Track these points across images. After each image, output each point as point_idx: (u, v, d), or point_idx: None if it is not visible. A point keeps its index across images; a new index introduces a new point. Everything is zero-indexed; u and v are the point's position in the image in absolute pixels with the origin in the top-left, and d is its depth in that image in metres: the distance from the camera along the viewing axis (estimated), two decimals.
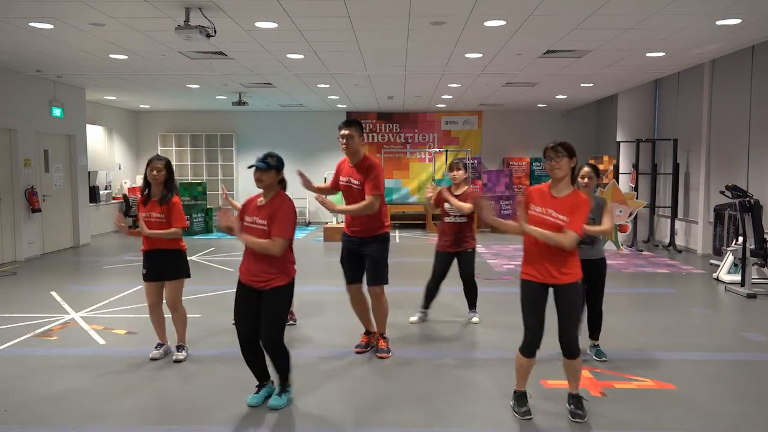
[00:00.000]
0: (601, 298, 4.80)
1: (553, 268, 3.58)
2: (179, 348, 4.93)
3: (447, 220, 5.83)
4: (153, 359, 4.83)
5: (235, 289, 3.90)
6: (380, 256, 4.84)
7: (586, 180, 4.72)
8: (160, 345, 4.94)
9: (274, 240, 3.68)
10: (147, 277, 4.80)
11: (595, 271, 4.68)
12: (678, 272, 8.88)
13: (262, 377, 3.99)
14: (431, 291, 6.01)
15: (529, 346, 3.68)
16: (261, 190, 3.88)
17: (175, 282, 4.80)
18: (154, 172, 4.67)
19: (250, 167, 3.81)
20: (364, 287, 4.99)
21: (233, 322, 5.83)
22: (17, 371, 4.58)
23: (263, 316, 3.76)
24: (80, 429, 3.59)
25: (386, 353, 4.95)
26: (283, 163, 3.86)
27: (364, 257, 4.85)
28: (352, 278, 4.97)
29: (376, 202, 4.65)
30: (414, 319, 6.02)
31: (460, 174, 5.79)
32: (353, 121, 4.80)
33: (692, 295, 7.38)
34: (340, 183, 4.89)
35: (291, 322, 5.86)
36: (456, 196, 5.77)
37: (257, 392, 3.96)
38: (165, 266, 4.76)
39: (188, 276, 4.88)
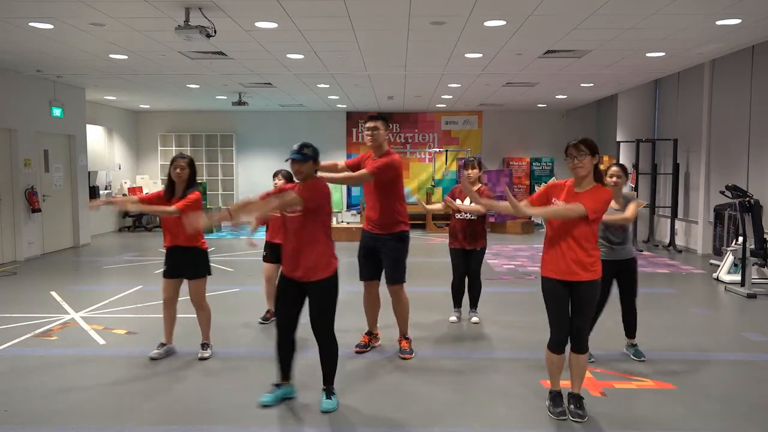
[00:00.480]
0: (635, 297, 4.85)
1: (574, 265, 3.57)
2: (204, 346, 4.96)
3: (458, 216, 5.82)
4: (153, 359, 4.82)
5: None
6: (398, 254, 4.82)
7: (614, 179, 4.72)
8: (162, 345, 4.94)
9: (288, 194, 3.72)
10: (166, 274, 4.83)
11: (626, 271, 4.75)
12: (678, 272, 8.88)
13: (286, 375, 3.97)
14: (458, 289, 6.07)
15: (558, 342, 3.70)
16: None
17: (197, 281, 4.84)
18: (178, 170, 4.70)
19: (287, 160, 3.78)
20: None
21: (260, 320, 5.87)
22: (17, 371, 4.58)
23: (312, 308, 3.81)
24: (80, 429, 3.59)
25: (409, 354, 4.91)
26: (318, 152, 3.84)
27: (379, 254, 4.83)
28: (368, 275, 4.95)
29: (363, 179, 4.69)
30: (453, 319, 6.04)
31: (474, 173, 5.81)
32: (379, 114, 4.84)
33: (692, 295, 7.38)
34: None
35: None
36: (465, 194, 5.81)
37: (272, 391, 3.92)
38: (185, 264, 4.80)
39: (209, 274, 4.93)
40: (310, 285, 3.79)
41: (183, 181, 4.74)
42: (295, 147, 3.78)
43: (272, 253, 5.72)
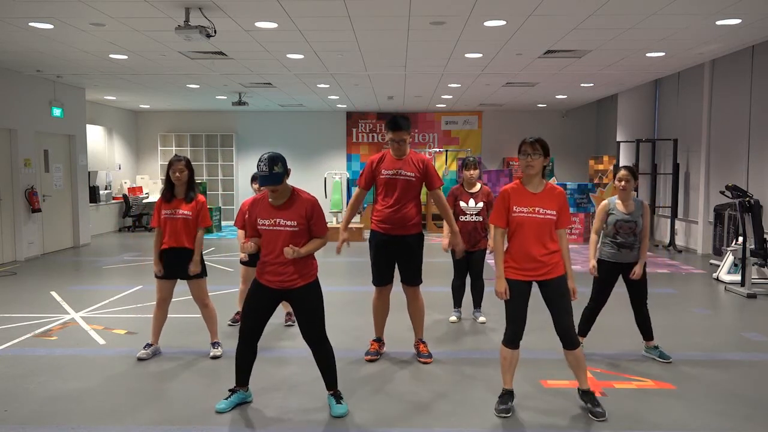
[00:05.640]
0: (646, 299, 4.82)
1: (540, 265, 3.63)
2: (215, 344, 4.97)
3: (462, 219, 5.80)
4: (141, 359, 4.82)
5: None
6: (420, 254, 4.79)
7: (623, 183, 4.67)
8: (148, 345, 4.93)
9: (317, 240, 3.77)
10: (161, 275, 4.81)
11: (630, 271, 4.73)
12: (678, 272, 8.88)
13: (243, 380, 3.93)
14: (458, 289, 6.07)
15: (514, 337, 3.75)
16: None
17: (198, 281, 4.86)
18: (177, 174, 4.70)
19: (262, 186, 3.63)
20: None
21: (229, 322, 5.86)
22: (17, 371, 4.58)
23: (302, 315, 3.77)
24: (80, 429, 3.58)
25: (430, 357, 4.82)
26: (285, 160, 3.73)
27: (399, 256, 4.73)
28: (387, 280, 4.81)
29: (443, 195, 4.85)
30: (453, 318, 6.03)
31: (475, 173, 5.80)
32: (405, 121, 4.62)
33: (692, 295, 7.37)
34: (382, 176, 4.67)
35: (290, 323, 5.86)
36: (470, 194, 5.80)
37: (228, 397, 3.88)
38: (182, 265, 4.79)
39: (205, 274, 4.93)
40: (296, 291, 3.74)
41: (183, 183, 4.75)
42: (264, 168, 3.57)
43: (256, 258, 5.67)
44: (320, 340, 3.82)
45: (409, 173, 4.65)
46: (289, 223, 3.68)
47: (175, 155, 4.88)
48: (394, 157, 4.70)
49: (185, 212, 4.72)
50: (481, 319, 5.99)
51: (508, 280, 3.69)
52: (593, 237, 4.78)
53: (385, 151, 4.81)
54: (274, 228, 3.69)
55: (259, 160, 3.62)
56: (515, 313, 3.71)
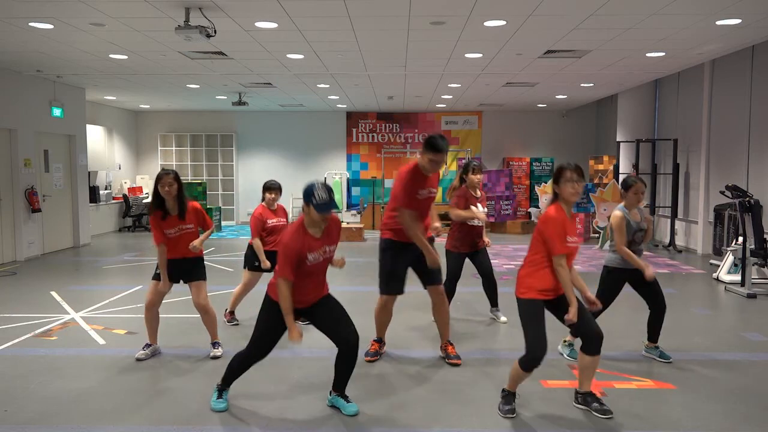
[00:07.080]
0: (664, 301, 4.76)
1: (558, 282, 3.62)
2: (215, 344, 4.99)
3: (470, 222, 5.72)
4: (139, 360, 4.82)
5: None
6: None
7: (639, 195, 4.65)
8: (147, 345, 4.95)
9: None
10: (159, 278, 4.79)
11: (643, 279, 4.67)
12: (678, 272, 8.88)
13: (231, 383, 3.98)
14: (449, 291, 5.99)
15: (535, 363, 3.59)
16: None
17: (198, 282, 4.87)
18: (167, 188, 4.64)
19: (323, 212, 3.52)
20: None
21: (226, 321, 5.82)
22: (17, 371, 4.58)
23: (337, 316, 3.77)
24: (81, 429, 3.59)
25: (459, 359, 4.80)
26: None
27: (419, 260, 4.70)
28: (399, 288, 4.78)
29: None
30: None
31: (480, 177, 5.78)
32: (445, 142, 4.41)
33: (692, 295, 7.37)
34: (420, 196, 4.54)
35: (306, 322, 5.87)
36: (475, 199, 5.79)
37: (220, 396, 3.91)
38: (184, 272, 4.82)
39: (205, 278, 4.95)
40: (323, 299, 3.81)
41: (173, 197, 4.68)
42: (325, 195, 3.51)
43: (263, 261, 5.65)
44: (358, 339, 3.76)
45: (434, 190, 4.72)
46: (333, 248, 3.77)
47: (163, 169, 4.81)
48: (424, 174, 4.55)
49: (188, 226, 4.76)
50: (503, 318, 5.93)
51: (532, 300, 3.61)
52: (627, 251, 4.57)
53: (417, 169, 4.53)
54: (325, 257, 3.72)
55: (314, 188, 3.52)
56: (536, 333, 3.57)
